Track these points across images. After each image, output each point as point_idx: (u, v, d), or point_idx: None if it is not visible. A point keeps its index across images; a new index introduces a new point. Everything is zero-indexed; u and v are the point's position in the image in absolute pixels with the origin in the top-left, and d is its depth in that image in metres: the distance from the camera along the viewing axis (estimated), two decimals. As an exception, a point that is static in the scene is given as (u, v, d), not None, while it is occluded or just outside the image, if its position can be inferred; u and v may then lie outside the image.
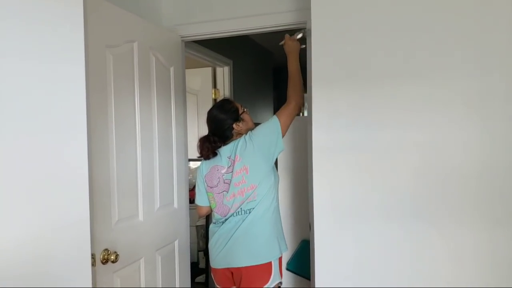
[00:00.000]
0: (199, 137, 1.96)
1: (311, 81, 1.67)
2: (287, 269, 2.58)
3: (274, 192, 1.88)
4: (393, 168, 1.54)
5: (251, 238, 1.82)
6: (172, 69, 2.23)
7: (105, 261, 1.61)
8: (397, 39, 1.52)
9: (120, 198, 1.75)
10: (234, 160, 1.85)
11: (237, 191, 1.84)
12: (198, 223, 3.58)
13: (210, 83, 3.76)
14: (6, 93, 1.09)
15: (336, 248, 1.61)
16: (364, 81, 1.56)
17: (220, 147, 1.91)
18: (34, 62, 1.18)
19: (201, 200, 2.00)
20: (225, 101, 2.01)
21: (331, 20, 1.60)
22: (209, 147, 1.90)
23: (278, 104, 2.25)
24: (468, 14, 1.45)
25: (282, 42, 2.03)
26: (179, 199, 2.27)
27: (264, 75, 5.08)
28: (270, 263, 1.83)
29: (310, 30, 1.76)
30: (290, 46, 1.99)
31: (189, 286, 2.41)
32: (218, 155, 1.91)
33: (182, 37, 2.34)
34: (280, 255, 1.88)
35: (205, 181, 1.96)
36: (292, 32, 2.05)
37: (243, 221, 1.83)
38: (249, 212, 1.82)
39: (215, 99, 3.68)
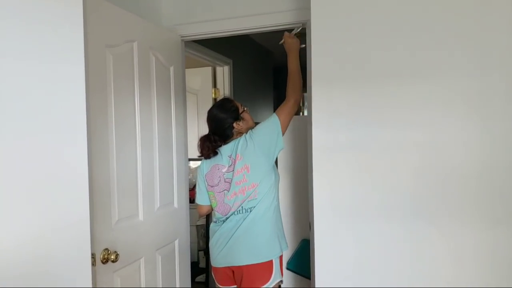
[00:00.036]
0: (200, 137, 1.96)
1: (311, 80, 1.67)
2: (287, 268, 2.58)
3: (275, 190, 1.89)
4: (393, 167, 1.54)
5: (252, 236, 1.83)
6: (172, 68, 2.23)
7: (105, 260, 1.62)
8: (397, 38, 1.52)
9: (120, 198, 1.75)
10: (235, 159, 1.86)
11: (238, 190, 1.84)
12: (198, 223, 3.58)
13: (210, 82, 3.76)
14: (6, 93, 1.09)
15: (336, 248, 1.61)
16: (364, 81, 1.56)
17: (220, 146, 1.91)
18: (34, 62, 1.18)
19: (202, 199, 2.00)
20: (225, 100, 2.01)
21: (331, 19, 1.60)
22: (209, 146, 1.90)
23: (278, 104, 2.25)
24: (468, 14, 1.45)
25: (282, 41, 2.03)
26: (179, 198, 2.27)
27: (264, 74, 5.08)
28: (271, 262, 1.83)
29: (309, 26, 1.76)
30: (290, 44, 1.99)
31: (189, 285, 2.41)
32: (219, 154, 1.91)
33: (182, 36, 2.34)
34: (281, 254, 1.88)
35: (206, 180, 1.96)
36: (291, 30, 2.05)
37: (244, 219, 1.83)
38: (250, 211, 1.83)
39: (215, 99, 3.68)
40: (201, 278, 3.57)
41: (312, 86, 1.63)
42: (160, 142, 2.06)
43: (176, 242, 2.24)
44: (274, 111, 1.90)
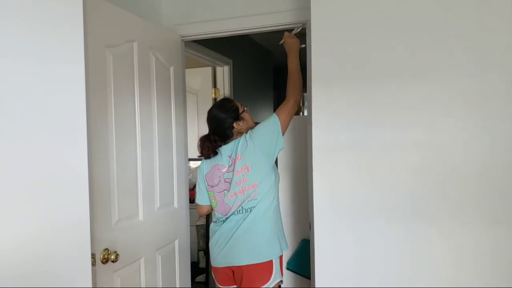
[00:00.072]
0: (200, 137, 1.96)
1: (311, 80, 1.67)
2: (287, 268, 2.58)
3: (275, 190, 1.89)
4: (393, 167, 1.54)
5: (252, 236, 1.83)
6: (172, 68, 2.23)
7: (105, 260, 1.62)
8: (397, 38, 1.52)
9: (120, 198, 1.75)
10: (235, 159, 1.86)
11: (238, 190, 1.85)
12: (198, 223, 3.58)
13: (210, 82, 3.76)
14: (6, 93, 1.09)
15: (336, 248, 1.61)
16: (364, 81, 1.56)
17: (220, 146, 1.91)
18: (34, 62, 1.18)
19: (202, 199, 2.00)
20: (225, 100, 2.01)
21: (331, 19, 1.60)
22: (209, 146, 1.90)
23: (278, 104, 2.25)
24: (468, 14, 1.45)
25: (282, 41, 2.03)
26: (179, 198, 2.27)
27: (264, 74, 5.08)
28: (271, 262, 1.83)
29: (309, 26, 1.76)
30: (290, 44, 1.99)
31: (189, 285, 2.41)
32: (219, 154, 1.91)
33: (182, 36, 2.34)
34: (281, 254, 1.88)
35: (206, 180, 1.96)
36: (291, 30, 2.05)
37: (244, 219, 1.83)
38: (250, 211, 1.83)
39: (215, 99, 3.68)
40: (201, 278, 3.57)
41: (312, 86, 1.63)
42: (160, 142, 2.06)
43: (176, 242, 2.24)
44: (274, 111, 1.90)
